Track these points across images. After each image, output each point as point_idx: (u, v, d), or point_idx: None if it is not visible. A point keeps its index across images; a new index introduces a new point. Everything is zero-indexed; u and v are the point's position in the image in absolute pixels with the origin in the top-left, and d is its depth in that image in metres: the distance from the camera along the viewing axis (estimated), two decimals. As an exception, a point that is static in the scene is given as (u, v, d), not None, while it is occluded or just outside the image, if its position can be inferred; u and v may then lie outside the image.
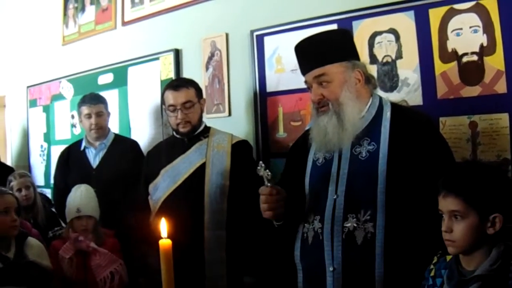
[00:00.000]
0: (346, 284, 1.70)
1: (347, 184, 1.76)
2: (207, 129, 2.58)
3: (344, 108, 1.78)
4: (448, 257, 1.51)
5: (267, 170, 1.75)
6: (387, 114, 1.80)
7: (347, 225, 1.71)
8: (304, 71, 1.89)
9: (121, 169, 2.97)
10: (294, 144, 2.14)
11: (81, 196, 2.61)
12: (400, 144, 1.72)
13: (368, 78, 1.85)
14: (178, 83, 2.54)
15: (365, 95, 1.84)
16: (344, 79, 1.80)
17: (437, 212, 1.47)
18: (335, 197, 1.76)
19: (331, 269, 1.72)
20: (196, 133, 2.52)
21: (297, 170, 1.95)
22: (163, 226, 1.32)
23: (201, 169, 2.43)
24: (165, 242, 1.28)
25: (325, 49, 1.82)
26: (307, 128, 2.10)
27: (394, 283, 1.65)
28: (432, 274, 1.53)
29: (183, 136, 2.50)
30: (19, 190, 2.96)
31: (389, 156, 1.71)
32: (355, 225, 1.70)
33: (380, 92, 1.92)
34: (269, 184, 1.76)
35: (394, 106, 1.85)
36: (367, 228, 1.68)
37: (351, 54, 1.86)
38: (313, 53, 1.84)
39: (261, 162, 1.77)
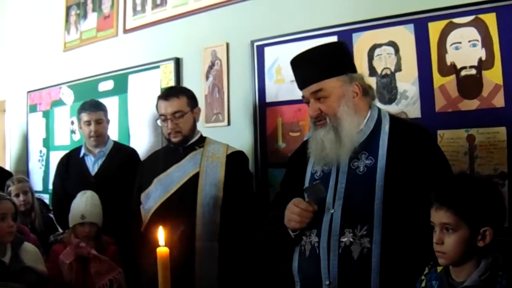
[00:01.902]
0: (341, 298, 1.69)
1: (344, 198, 1.75)
2: (203, 138, 2.55)
3: (342, 122, 1.76)
4: (439, 268, 1.52)
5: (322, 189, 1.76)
6: (385, 127, 1.79)
7: (343, 239, 1.70)
8: (301, 87, 1.88)
9: (120, 178, 2.96)
10: (293, 155, 2.13)
11: (86, 203, 2.60)
12: (398, 159, 1.71)
13: (366, 90, 1.83)
14: (168, 92, 2.50)
15: (363, 108, 1.82)
16: (342, 94, 1.78)
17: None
18: (332, 211, 1.75)
19: (327, 282, 1.71)
20: (191, 143, 2.50)
21: (295, 181, 1.94)
22: (161, 234, 1.33)
23: (195, 179, 2.39)
24: (162, 250, 1.29)
25: (321, 64, 1.81)
26: (305, 138, 2.10)
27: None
28: (423, 285, 1.54)
29: (176, 145, 2.48)
30: (17, 195, 2.96)
31: (387, 171, 1.70)
32: (351, 239, 1.69)
33: (378, 105, 1.92)
34: (308, 199, 1.76)
35: (393, 119, 1.84)
36: (363, 243, 1.67)
37: (347, 67, 1.85)
38: (309, 69, 1.83)
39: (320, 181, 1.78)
